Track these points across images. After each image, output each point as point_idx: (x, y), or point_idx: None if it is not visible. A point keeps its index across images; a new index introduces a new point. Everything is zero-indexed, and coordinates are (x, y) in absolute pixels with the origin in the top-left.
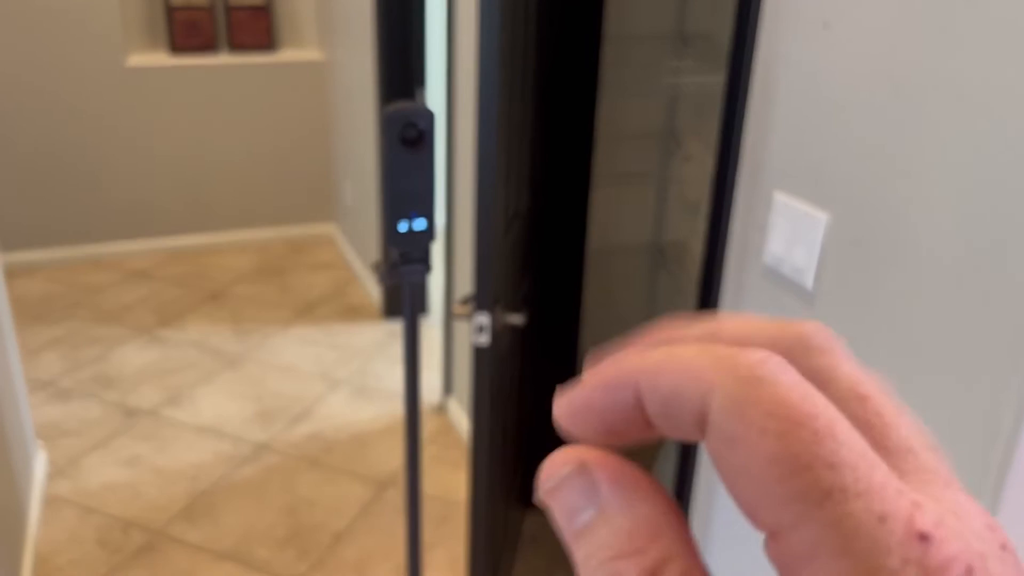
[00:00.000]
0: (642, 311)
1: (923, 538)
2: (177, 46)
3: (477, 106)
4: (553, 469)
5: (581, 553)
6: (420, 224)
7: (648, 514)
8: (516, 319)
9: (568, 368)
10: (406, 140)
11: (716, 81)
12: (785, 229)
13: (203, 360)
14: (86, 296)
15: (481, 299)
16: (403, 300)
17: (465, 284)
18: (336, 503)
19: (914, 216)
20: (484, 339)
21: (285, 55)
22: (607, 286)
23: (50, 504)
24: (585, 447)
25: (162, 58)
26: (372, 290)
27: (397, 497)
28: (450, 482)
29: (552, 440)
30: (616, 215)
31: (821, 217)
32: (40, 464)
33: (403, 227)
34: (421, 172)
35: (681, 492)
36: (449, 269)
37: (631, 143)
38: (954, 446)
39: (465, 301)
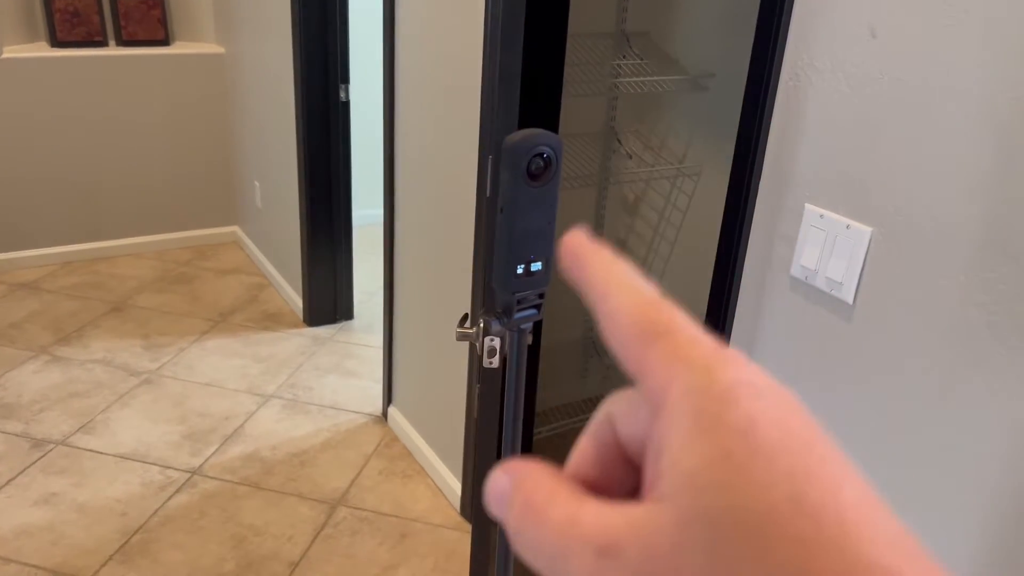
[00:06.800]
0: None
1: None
2: (59, 38)
3: None
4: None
5: None
6: (537, 265)
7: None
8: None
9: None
10: (532, 173)
11: (656, 80)
12: (819, 242)
13: (114, 380)
14: None
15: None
16: (509, 349)
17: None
18: (286, 529)
19: (962, 230)
20: (495, 362)
21: (180, 48)
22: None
23: None
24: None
25: (42, 50)
26: (290, 295)
27: (350, 517)
28: (403, 496)
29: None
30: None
31: (865, 231)
32: None
33: (520, 270)
34: (544, 208)
35: None
36: (391, 267)
37: (575, 141)
38: (1015, 459)
39: (465, 321)
